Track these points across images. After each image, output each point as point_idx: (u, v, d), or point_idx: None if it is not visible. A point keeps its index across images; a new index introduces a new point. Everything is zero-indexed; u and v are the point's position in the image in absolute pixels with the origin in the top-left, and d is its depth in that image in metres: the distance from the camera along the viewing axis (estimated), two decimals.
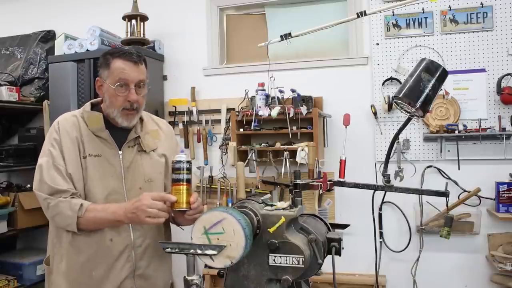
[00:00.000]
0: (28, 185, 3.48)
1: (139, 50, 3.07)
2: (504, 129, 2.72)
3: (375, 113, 2.95)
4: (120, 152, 1.66)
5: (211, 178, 3.26)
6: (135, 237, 1.65)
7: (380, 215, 2.89)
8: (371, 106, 2.96)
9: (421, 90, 1.50)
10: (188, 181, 1.51)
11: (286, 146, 2.86)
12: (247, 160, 2.89)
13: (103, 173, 1.62)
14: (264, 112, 2.80)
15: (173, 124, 3.36)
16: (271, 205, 1.32)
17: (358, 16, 2.27)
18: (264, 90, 2.88)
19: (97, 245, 1.61)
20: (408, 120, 1.62)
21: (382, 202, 2.68)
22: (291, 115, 2.80)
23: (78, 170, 1.60)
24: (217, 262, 1.18)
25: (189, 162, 1.51)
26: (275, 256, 1.23)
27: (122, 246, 1.63)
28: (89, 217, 1.54)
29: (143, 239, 1.67)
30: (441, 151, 2.85)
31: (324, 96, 3.07)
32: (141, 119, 1.77)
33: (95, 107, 1.73)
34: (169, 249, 1.23)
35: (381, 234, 2.91)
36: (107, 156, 1.64)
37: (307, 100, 2.88)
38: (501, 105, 2.78)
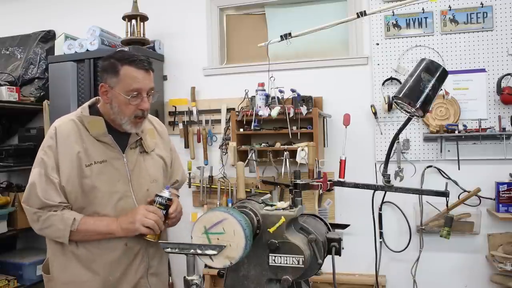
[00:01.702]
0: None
1: (139, 50, 3.07)
2: (504, 129, 2.72)
3: (375, 113, 2.95)
4: (124, 155, 1.65)
5: (211, 178, 3.26)
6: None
7: (380, 215, 2.89)
8: (371, 106, 2.96)
9: (421, 90, 1.50)
10: (165, 217, 1.65)
11: (286, 146, 2.86)
12: (247, 160, 2.89)
13: (110, 179, 1.60)
14: (264, 112, 2.80)
15: (173, 124, 3.37)
16: (271, 205, 1.32)
17: (358, 16, 2.27)
18: (264, 90, 2.88)
19: (113, 251, 1.60)
20: (408, 120, 1.62)
21: (382, 202, 2.68)
22: (291, 115, 2.80)
23: (74, 181, 1.55)
24: (217, 262, 1.18)
25: (169, 199, 1.65)
26: (275, 256, 1.23)
27: (137, 248, 1.64)
28: (81, 230, 1.54)
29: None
30: (441, 151, 2.85)
31: (324, 96, 3.07)
32: None
33: (91, 109, 1.67)
34: (169, 249, 1.23)
35: (381, 234, 2.91)
36: (112, 161, 1.62)
37: (307, 100, 2.88)
38: (501, 105, 2.78)
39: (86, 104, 1.68)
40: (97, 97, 1.71)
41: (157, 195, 1.65)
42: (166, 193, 1.65)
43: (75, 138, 1.59)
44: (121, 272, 1.62)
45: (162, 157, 1.78)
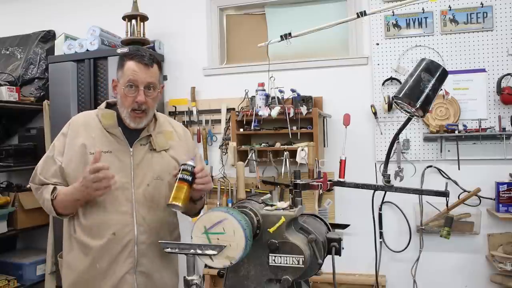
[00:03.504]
0: (28, 185, 3.48)
1: (140, 50, 3.07)
2: (504, 129, 2.72)
3: (375, 113, 2.95)
4: (131, 149, 1.68)
5: (211, 178, 3.25)
6: (138, 232, 1.65)
7: (380, 215, 2.89)
8: (371, 106, 2.96)
9: (421, 90, 1.50)
10: (190, 184, 1.60)
11: (286, 146, 2.86)
12: (247, 160, 2.89)
13: (111, 169, 1.62)
14: (264, 112, 2.80)
15: None
16: (271, 205, 1.32)
17: (358, 16, 2.27)
18: (264, 90, 2.88)
19: (101, 238, 1.63)
20: (408, 120, 1.62)
21: (382, 202, 2.68)
22: (291, 115, 2.80)
23: (76, 165, 1.64)
24: (217, 262, 1.18)
25: (193, 167, 1.63)
26: (275, 256, 1.23)
27: (125, 240, 1.64)
28: (59, 200, 1.63)
29: (147, 236, 1.67)
30: (441, 151, 2.85)
31: (324, 96, 3.07)
32: (156, 119, 1.79)
33: (112, 107, 1.78)
34: (169, 249, 1.23)
35: (381, 234, 2.91)
36: (117, 153, 1.67)
37: (307, 100, 2.88)
38: (501, 105, 2.78)
39: (105, 101, 1.81)
40: None
41: (182, 164, 1.63)
42: (190, 162, 1.64)
43: (85, 127, 1.70)
44: (108, 262, 1.63)
45: (176, 160, 1.78)
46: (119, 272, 1.63)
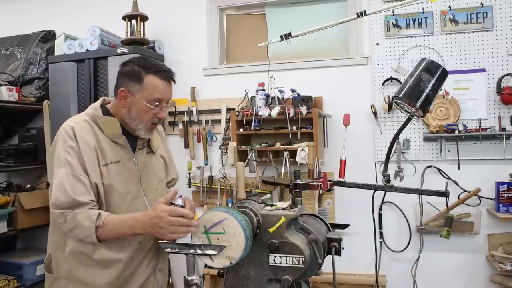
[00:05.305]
0: (28, 185, 3.49)
1: (139, 50, 3.07)
2: (504, 129, 2.72)
3: (375, 113, 2.95)
4: (135, 156, 1.67)
5: (211, 178, 3.26)
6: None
7: (380, 215, 2.89)
8: (371, 106, 2.96)
9: (421, 90, 1.50)
10: None
11: (286, 146, 2.86)
12: (247, 160, 2.89)
13: (123, 179, 1.61)
14: (264, 112, 2.80)
15: (173, 124, 3.37)
16: (271, 205, 1.32)
17: (358, 16, 2.27)
18: (264, 90, 2.88)
19: (126, 249, 1.59)
20: (408, 120, 1.62)
21: (382, 202, 2.68)
22: (291, 115, 2.80)
23: (98, 180, 1.54)
24: (217, 262, 1.18)
25: (182, 207, 1.58)
26: (275, 256, 1.24)
27: (149, 246, 1.66)
28: (107, 229, 1.48)
29: None
30: (441, 151, 2.85)
31: (324, 96, 3.07)
32: None
33: (102, 109, 1.67)
34: (169, 249, 1.24)
35: (381, 234, 2.91)
36: (125, 162, 1.63)
37: (307, 100, 2.88)
38: (501, 105, 2.78)
39: (98, 104, 1.67)
40: (103, 97, 1.72)
41: (171, 203, 1.59)
42: (179, 201, 1.63)
43: (92, 139, 1.58)
44: (133, 269, 1.63)
45: (163, 157, 1.82)
46: (143, 275, 1.65)
